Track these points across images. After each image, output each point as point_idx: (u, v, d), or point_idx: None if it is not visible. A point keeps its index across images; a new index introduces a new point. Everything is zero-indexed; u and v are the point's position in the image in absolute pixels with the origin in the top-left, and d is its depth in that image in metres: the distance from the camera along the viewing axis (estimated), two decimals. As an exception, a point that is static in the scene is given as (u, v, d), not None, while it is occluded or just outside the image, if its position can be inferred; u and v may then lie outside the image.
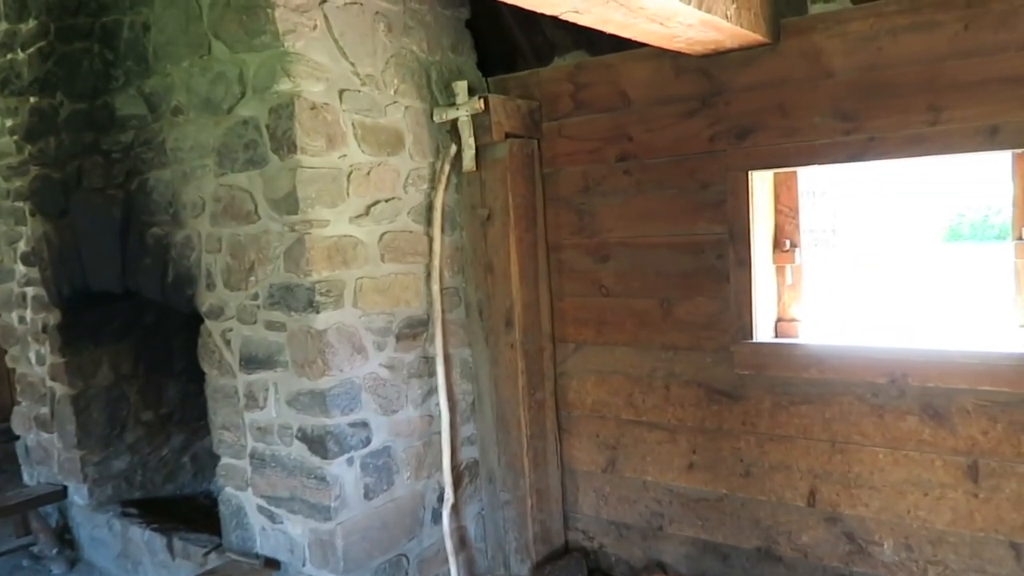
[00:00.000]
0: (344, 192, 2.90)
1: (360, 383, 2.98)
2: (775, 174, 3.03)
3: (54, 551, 4.05)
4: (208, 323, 3.20)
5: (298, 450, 2.97)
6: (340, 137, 2.88)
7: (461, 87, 3.19)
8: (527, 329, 3.37)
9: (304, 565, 3.02)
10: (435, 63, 3.30)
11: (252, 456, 3.14)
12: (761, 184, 2.99)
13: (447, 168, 3.26)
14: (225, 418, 3.21)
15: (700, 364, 3.17)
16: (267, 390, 3.04)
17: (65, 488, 4.12)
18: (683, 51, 2.83)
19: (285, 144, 2.75)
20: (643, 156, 3.20)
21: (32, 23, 3.68)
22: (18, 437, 4.42)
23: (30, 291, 4.07)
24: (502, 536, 3.52)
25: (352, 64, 2.94)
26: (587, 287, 3.42)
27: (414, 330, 3.20)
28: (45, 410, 4.15)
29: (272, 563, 3.13)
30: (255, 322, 3.01)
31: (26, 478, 4.42)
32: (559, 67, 3.40)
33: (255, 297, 2.99)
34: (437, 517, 3.32)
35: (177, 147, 3.13)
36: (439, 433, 3.31)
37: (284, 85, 2.75)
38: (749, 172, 2.93)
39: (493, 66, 3.52)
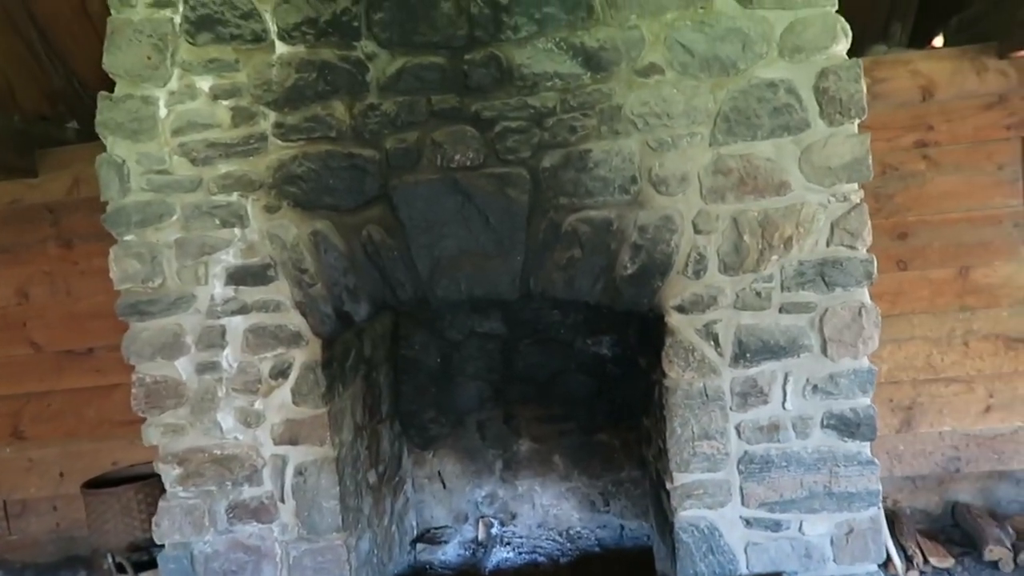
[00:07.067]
0: (848, 162, 2.82)
1: (866, 360, 2.88)
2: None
3: None
4: (677, 318, 2.73)
5: (822, 440, 2.75)
6: (864, 104, 2.77)
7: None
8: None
9: (825, 565, 2.78)
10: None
11: (747, 462, 2.76)
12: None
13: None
14: (704, 426, 2.76)
15: (997, 319, 3.73)
16: (774, 382, 2.74)
17: (299, 597, 2.92)
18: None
19: (852, 108, 2.60)
20: (943, 143, 3.68)
21: (282, -57, 2.69)
22: (157, 546, 2.98)
23: (238, 322, 2.84)
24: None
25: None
26: (881, 264, 3.73)
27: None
28: (258, 492, 2.90)
29: (769, 579, 2.79)
30: (766, 307, 2.71)
31: (178, 606, 2.98)
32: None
33: (768, 279, 2.70)
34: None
35: (648, 112, 2.65)
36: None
37: (840, 46, 2.61)
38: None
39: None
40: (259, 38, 2.71)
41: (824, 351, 2.71)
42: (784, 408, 2.75)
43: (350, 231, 2.77)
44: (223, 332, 2.84)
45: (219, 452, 2.90)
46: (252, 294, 2.82)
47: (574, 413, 3.70)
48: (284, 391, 2.86)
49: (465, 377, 3.72)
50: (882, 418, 3.70)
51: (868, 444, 2.77)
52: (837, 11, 2.60)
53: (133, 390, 2.89)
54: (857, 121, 2.62)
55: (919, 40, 4.08)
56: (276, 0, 2.70)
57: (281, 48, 2.72)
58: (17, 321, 4.18)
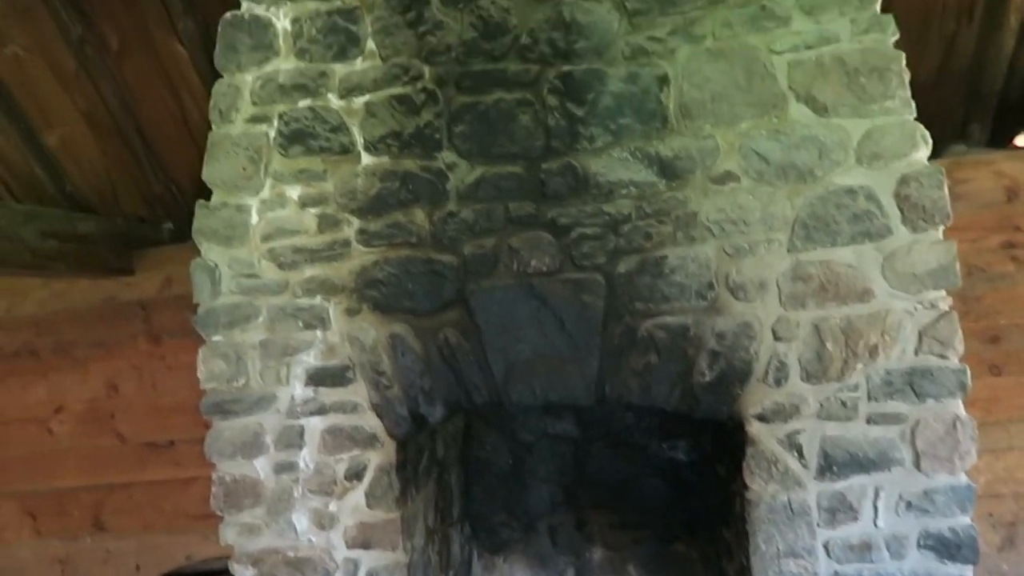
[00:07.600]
0: (932, 269, 2.75)
1: (954, 474, 2.73)
2: None
3: None
4: (758, 427, 2.65)
5: (919, 561, 2.59)
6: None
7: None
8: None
9: None
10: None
11: (836, 583, 2.61)
12: None
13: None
14: (790, 543, 2.63)
15: (1106, 427, 3.50)
16: (864, 497, 2.61)
17: None
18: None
19: (936, 214, 2.55)
20: (1032, 245, 3.56)
21: (371, 62, 2.86)
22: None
23: (316, 422, 2.89)
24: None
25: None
26: (973, 369, 3.57)
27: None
28: (330, 597, 2.87)
29: None
30: (852, 418, 2.61)
31: None
32: (934, 163, 3.65)
33: (854, 388, 2.61)
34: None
35: (724, 219, 2.65)
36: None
37: (921, 152, 2.59)
38: None
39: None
40: (346, 150, 2.86)
41: (917, 465, 2.58)
42: (876, 526, 2.61)
43: (427, 334, 2.82)
44: (301, 432, 2.89)
45: (292, 554, 2.90)
46: (331, 395, 2.88)
47: (649, 520, 3.58)
48: (358, 493, 2.87)
49: (537, 480, 3.66)
50: (982, 535, 3.46)
51: (970, 568, 2.59)
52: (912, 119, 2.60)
53: (213, 488, 2.94)
54: (942, 227, 2.57)
55: (999, 139, 4.01)
56: (363, 114, 2.85)
57: (367, 159, 2.85)
58: (106, 413, 4.35)
